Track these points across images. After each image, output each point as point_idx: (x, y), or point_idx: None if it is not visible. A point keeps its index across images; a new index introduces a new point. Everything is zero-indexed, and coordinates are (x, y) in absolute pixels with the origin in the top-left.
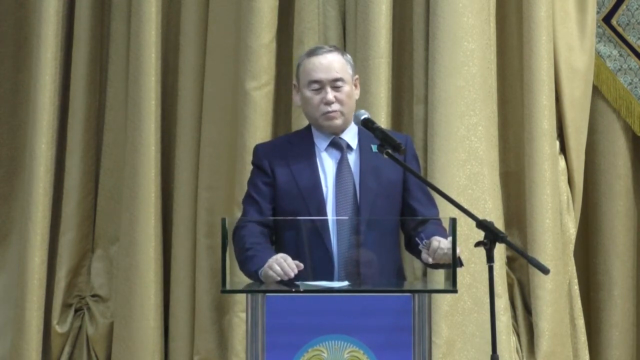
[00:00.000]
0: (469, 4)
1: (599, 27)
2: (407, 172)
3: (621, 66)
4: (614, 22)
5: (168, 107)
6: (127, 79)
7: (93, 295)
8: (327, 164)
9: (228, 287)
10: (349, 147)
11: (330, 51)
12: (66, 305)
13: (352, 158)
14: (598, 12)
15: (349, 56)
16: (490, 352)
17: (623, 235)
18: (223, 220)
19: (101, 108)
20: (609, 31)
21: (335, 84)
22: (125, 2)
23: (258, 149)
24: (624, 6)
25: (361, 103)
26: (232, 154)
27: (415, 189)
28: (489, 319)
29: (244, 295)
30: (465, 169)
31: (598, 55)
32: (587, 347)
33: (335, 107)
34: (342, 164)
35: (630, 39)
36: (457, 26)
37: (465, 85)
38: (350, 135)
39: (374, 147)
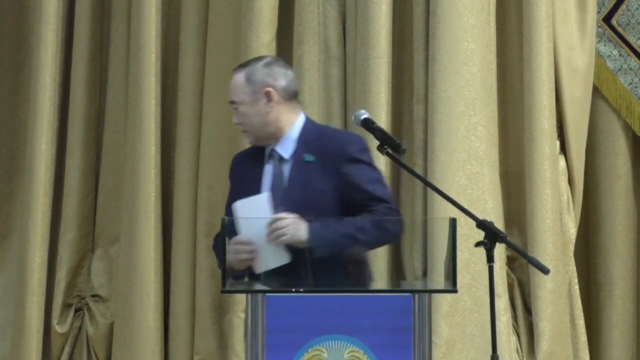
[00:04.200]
0: (469, 4)
1: (599, 27)
2: (347, 179)
3: (621, 66)
4: (614, 22)
5: (168, 107)
6: (127, 79)
7: (93, 295)
8: (266, 177)
9: (228, 287)
10: (282, 159)
11: (236, 72)
12: (66, 305)
13: (287, 169)
14: (598, 12)
15: (255, 68)
16: (490, 352)
17: (623, 235)
18: (223, 220)
19: (101, 108)
20: (609, 31)
21: (233, 105)
22: (125, 2)
23: (232, 161)
24: (624, 6)
25: (361, 103)
26: (232, 154)
27: (358, 196)
28: (489, 319)
29: (244, 295)
30: (465, 169)
31: (598, 55)
32: (587, 347)
33: (240, 127)
34: (275, 177)
35: (630, 39)
36: (457, 26)
37: (465, 85)
38: (284, 146)
39: (307, 157)
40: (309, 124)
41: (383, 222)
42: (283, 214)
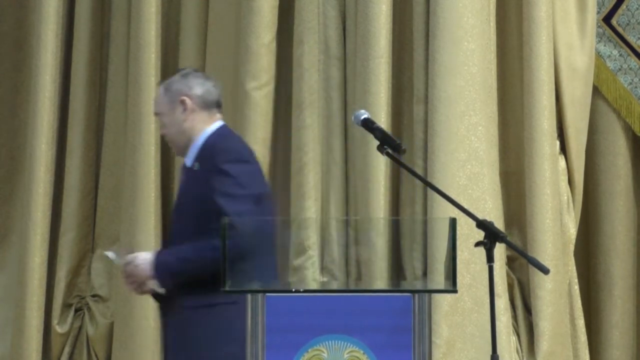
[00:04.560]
0: (469, 4)
1: (599, 27)
2: (210, 189)
3: (621, 66)
4: (614, 22)
5: None
6: (127, 79)
7: (93, 295)
8: None
9: (228, 287)
10: (186, 167)
11: (159, 85)
12: (66, 305)
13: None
14: (598, 12)
15: (170, 81)
16: (490, 352)
17: (623, 235)
18: (223, 220)
19: (101, 108)
20: (609, 31)
21: (156, 117)
22: (125, 2)
23: None
24: (624, 6)
25: (361, 103)
26: None
27: (212, 207)
28: (489, 319)
29: None
30: (465, 169)
31: (598, 55)
32: (587, 347)
33: (165, 138)
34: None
35: (630, 39)
36: (457, 26)
37: (465, 85)
38: (190, 155)
39: (195, 165)
40: (217, 132)
41: (217, 242)
42: (130, 257)
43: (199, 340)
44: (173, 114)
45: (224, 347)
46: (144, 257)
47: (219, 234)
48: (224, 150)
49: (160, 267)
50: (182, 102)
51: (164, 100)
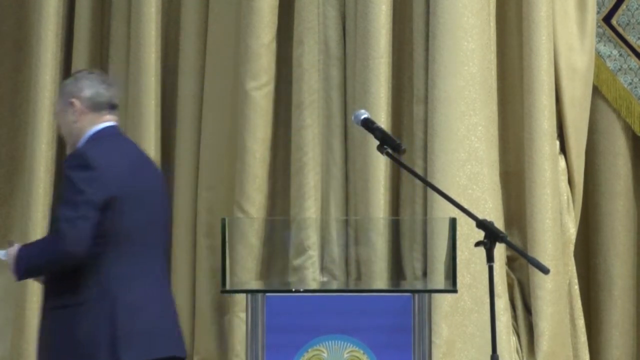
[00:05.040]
0: (469, 4)
1: (599, 27)
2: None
3: (621, 66)
4: (614, 22)
5: (168, 107)
6: (127, 79)
7: None
8: None
9: (228, 287)
10: None
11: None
12: None
13: None
14: (598, 12)
15: (65, 83)
16: (490, 352)
17: (623, 235)
18: (223, 220)
19: None
20: (609, 31)
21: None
22: (125, 2)
23: None
24: (624, 6)
25: (361, 103)
26: (232, 154)
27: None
28: (489, 319)
29: (243, 295)
30: (465, 169)
31: (598, 55)
32: (587, 347)
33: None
34: None
35: (630, 39)
36: (457, 26)
37: (465, 85)
38: None
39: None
40: (95, 134)
41: (51, 242)
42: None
43: (49, 342)
44: (65, 115)
45: (68, 349)
46: (13, 251)
47: (54, 236)
48: (73, 155)
49: (18, 261)
50: (72, 104)
51: (59, 101)
